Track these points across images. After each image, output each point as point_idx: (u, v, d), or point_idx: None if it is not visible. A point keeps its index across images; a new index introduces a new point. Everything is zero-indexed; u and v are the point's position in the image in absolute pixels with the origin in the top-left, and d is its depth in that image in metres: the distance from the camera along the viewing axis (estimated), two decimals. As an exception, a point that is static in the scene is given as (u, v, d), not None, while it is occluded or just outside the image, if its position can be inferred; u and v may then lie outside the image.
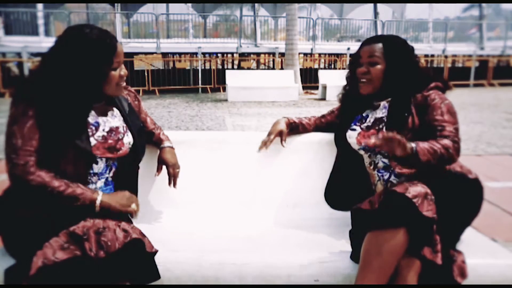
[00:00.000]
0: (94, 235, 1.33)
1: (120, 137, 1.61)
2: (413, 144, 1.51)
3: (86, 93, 1.49)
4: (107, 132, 1.57)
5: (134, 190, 1.75)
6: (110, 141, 1.57)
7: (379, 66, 1.74)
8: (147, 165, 1.88)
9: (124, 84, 1.61)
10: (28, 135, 1.41)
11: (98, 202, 1.45)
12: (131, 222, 1.55)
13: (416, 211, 1.40)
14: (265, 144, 2.00)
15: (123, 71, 1.55)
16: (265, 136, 2.03)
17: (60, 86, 1.44)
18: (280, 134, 2.03)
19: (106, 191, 1.60)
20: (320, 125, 2.11)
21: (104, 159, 1.58)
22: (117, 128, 1.61)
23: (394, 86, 1.74)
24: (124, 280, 1.36)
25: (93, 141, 1.51)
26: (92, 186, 1.55)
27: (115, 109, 1.66)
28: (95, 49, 1.45)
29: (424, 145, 1.52)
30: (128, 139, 1.64)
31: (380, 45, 1.75)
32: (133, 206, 1.51)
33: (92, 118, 1.55)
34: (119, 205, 1.48)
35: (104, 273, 1.31)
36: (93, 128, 1.54)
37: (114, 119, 1.63)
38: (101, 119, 1.58)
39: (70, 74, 1.44)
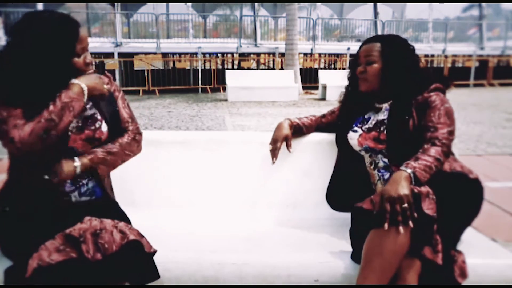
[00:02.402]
0: (91, 237, 1.32)
1: (98, 126, 1.55)
2: (409, 170, 1.48)
3: (49, 82, 1.42)
4: (82, 122, 1.52)
5: None
6: (87, 131, 1.51)
7: (375, 65, 1.75)
8: (146, 165, 1.88)
9: (92, 71, 1.51)
10: (12, 109, 1.37)
11: (84, 88, 1.43)
12: (129, 222, 1.54)
13: (418, 208, 1.40)
14: (274, 154, 1.95)
15: (88, 58, 1.48)
16: (269, 143, 1.97)
17: (20, 76, 1.39)
18: (285, 139, 1.98)
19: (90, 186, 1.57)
20: (321, 125, 2.10)
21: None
22: (93, 115, 1.55)
23: (393, 87, 1.74)
24: (123, 280, 1.36)
25: None
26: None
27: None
28: (55, 35, 1.38)
29: (420, 167, 1.50)
30: (106, 126, 1.57)
31: (378, 44, 1.76)
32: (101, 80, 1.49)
33: None
34: (96, 85, 1.47)
35: (101, 275, 1.30)
36: None
37: (86, 108, 1.55)
38: None
39: (31, 64, 1.38)
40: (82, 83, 1.45)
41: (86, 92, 1.44)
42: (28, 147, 1.35)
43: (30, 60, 1.39)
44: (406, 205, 1.39)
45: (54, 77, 1.43)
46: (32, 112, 1.38)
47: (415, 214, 1.39)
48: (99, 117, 1.57)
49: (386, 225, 1.39)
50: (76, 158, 1.49)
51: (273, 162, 1.95)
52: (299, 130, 2.06)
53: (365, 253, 1.45)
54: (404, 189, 1.41)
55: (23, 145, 1.35)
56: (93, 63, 1.51)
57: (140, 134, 1.70)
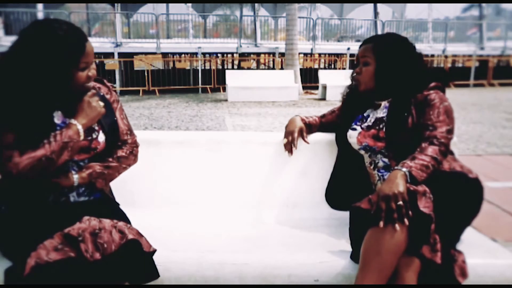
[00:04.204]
0: (90, 237, 1.31)
1: (95, 136, 1.54)
2: (404, 169, 1.49)
3: (48, 94, 1.41)
4: None
5: None
6: (83, 141, 1.49)
7: (370, 66, 1.76)
8: (146, 165, 1.87)
9: (92, 84, 1.51)
10: (2, 131, 1.38)
11: (81, 130, 1.44)
12: (129, 222, 1.54)
13: (414, 206, 1.40)
14: (291, 146, 1.98)
15: (91, 72, 1.46)
16: (284, 137, 2.00)
17: (20, 85, 1.38)
18: (301, 130, 2.01)
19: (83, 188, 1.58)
20: (321, 125, 2.10)
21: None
22: (90, 126, 1.53)
23: (391, 85, 1.74)
24: (122, 280, 1.36)
25: None
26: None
27: None
28: (61, 47, 1.36)
29: (416, 166, 1.50)
30: (103, 137, 1.57)
31: (371, 45, 1.77)
32: (101, 109, 1.49)
33: (58, 119, 1.49)
34: (91, 120, 1.48)
35: (101, 275, 1.30)
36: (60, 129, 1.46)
37: None
38: (68, 120, 1.49)
39: (31, 72, 1.37)
40: (79, 125, 1.45)
41: (82, 134, 1.46)
42: (24, 176, 1.38)
43: (32, 68, 1.38)
44: (400, 202, 1.39)
45: (52, 89, 1.42)
46: (24, 131, 1.38)
47: (411, 212, 1.40)
48: (96, 128, 1.56)
49: (381, 223, 1.39)
50: (74, 172, 1.50)
51: (291, 154, 2.00)
52: (308, 127, 2.06)
53: (363, 252, 1.45)
54: (398, 187, 1.42)
55: (20, 175, 1.37)
56: (95, 75, 1.50)
57: (137, 146, 1.72)
